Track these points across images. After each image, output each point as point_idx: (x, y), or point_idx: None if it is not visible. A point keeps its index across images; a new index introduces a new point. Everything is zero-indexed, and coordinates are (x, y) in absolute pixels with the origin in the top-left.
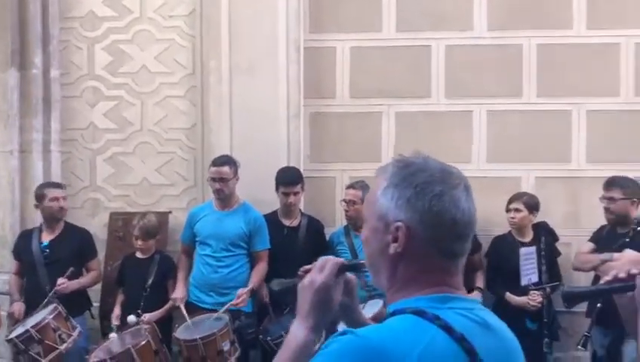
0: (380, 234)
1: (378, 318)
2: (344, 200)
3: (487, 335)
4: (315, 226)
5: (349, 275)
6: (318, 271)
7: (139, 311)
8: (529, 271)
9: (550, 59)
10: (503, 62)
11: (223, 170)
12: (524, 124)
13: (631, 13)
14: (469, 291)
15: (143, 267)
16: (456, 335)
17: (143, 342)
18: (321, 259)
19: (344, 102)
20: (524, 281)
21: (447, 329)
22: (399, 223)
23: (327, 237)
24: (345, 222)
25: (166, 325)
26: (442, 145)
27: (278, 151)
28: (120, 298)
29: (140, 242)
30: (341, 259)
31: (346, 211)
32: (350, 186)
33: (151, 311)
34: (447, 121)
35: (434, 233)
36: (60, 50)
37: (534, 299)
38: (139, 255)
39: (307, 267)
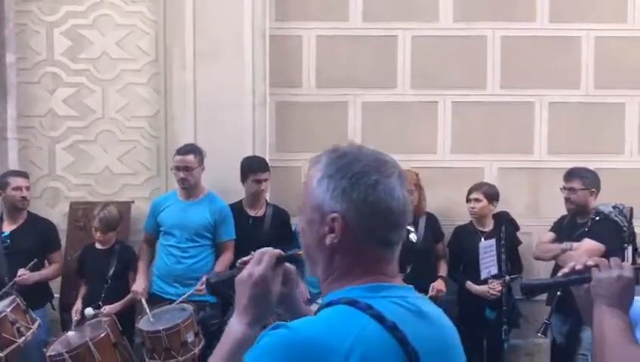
0: (315, 225)
1: None
2: None
3: (421, 323)
4: (280, 216)
5: (288, 265)
6: (256, 264)
7: (99, 302)
8: (488, 264)
9: (514, 51)
10: (467, 53)
11: (188, 159)
12: (487, 116)
13: (592, 8)
14: (434, 280)
15: (103, 258)
16: (387, 324)
17: (102, 335)
18: (259, 251)
19: (310, 91)
20: (483, 274)
21: (379, 318)
22: (335, 214)
23: (294, 227)
24: None
25: (127, 316)
26: (408, 135)
27: (244, 140)
28: (82, 291)
29: (98, 234)
30: (278, 251)
31: None
32: None
33: (112, 303)
34: (413, 111)
35: (370, 223)
36: (16, 34)
37: (494, 288)
38: (98, 246)
39: (245, 259)
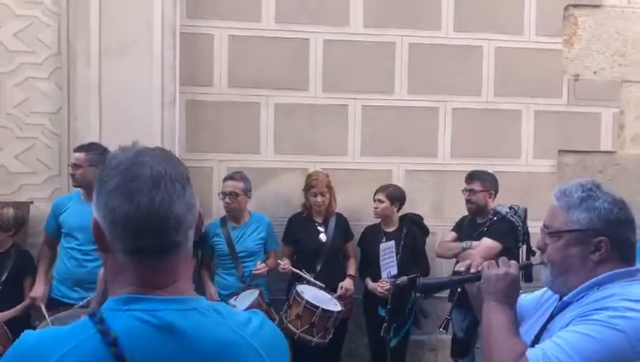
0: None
1: (254, 308)
2: (223, 193)
3: (161, 339)
4: None
5: None
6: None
7: None
8: (388, 264)
9: (420, 58)
10: (377, 59)
11: (77, 156)
12: (395, 120)
13: (493, 19)
14: (343, 279)
15: None
16: (108, 339)
17: None
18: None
19: (222, 90)
20: (383, 275)
21: (103, 332)
22: (94, 220)
23: (203, 229)
24: (223, 214)
25: (22, 324)
26: (319, 137)
27: (152, 140)
28: None
29: None
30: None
31: (228, 203)
32: (229, 178)
33: (4, 310)
34: (324, 114)
35: (113, 230)
36: None
37: (382, 286)
38: None
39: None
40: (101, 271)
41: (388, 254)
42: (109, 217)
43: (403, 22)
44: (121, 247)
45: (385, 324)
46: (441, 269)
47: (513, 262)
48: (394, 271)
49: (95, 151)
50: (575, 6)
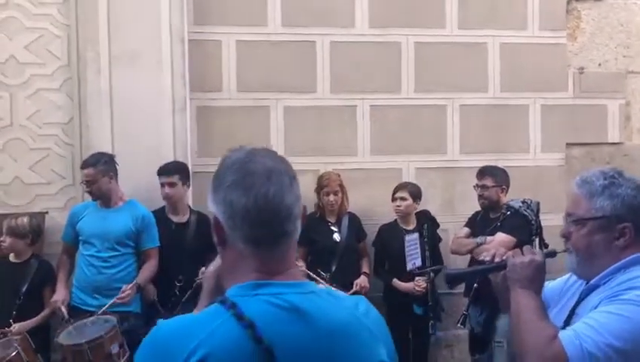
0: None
1: None
2: None
3: (292, 320)
4: (204, 222)
5: None
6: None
7: (10, 320)
8: (413, 256)
9: (426, 56)
10: (383, 59)
11: (88, 173)
12: (403, 118)
13: (497, 16)
14: (358, 277)
15: (17, 272)
16: (244, 322)
17: (13, 354)
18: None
19: (231, 95)
20: (409, 266)
21: (238, 316)
22: (213, 215)
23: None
24: None
25: (43, 333)
26: (329, 138)
27: (164, 146)
28: None
29: (8, 239)
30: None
31: None
32: None
33: (24, 320)
34: (333, 115)
35: (233, 222)
36: None
37: (419, 284)
38: (12, 259)
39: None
40: (208, 269)
41: (412, 246)
42: (229, 211)
43: (408, 21)
44: (240, 237)
45: (432, 322)
46: (455, 265)
47: (537, 250)
48: (418, 262)
49: (102, 161)
50: (577, 0)
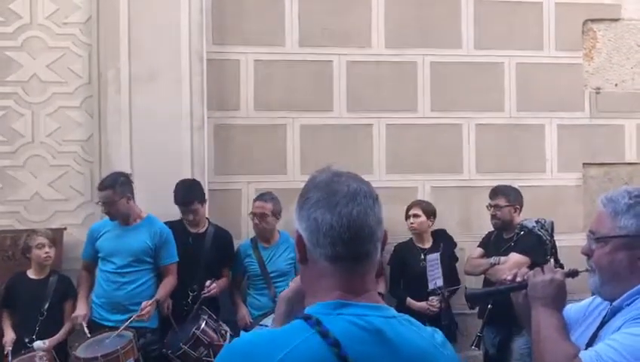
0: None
1: None
2: (252, 213)
3: (374, 342)
4: (222, 236)
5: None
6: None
7: (33, 336)
8: (435, 275)
9: (442, 76)
10: (399, 78)
11: (105, 195)
12: (419, 137)
13: (513, 36)
14: None
15: (38, 289)
16: (329, 340)
17: None
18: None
19: (249, 114)
20: (431, 285)
21: (324, 334)
22: (298, 233)
23: (236, 248)
24: (252, 235)
25: (61, 347)
26: (345, 157)
27: (182, 164)
28: (7, 321)
29: (46, 249)
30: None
31: (256, 224)
32: (258, 198)
33: (46, 336)
34: (349, 133)
35: (316, 239)
36: None
37: (433, 304)
38: (31, 275)
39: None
40: (283, 292)
41: (434, 265)
42: (312, 227)
43: (424, 41)
44: (323, 254)
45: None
46: (470, 285)
47: (558, 268)
48: (440, 282)
49: (119, 183)
50: (593, 20)
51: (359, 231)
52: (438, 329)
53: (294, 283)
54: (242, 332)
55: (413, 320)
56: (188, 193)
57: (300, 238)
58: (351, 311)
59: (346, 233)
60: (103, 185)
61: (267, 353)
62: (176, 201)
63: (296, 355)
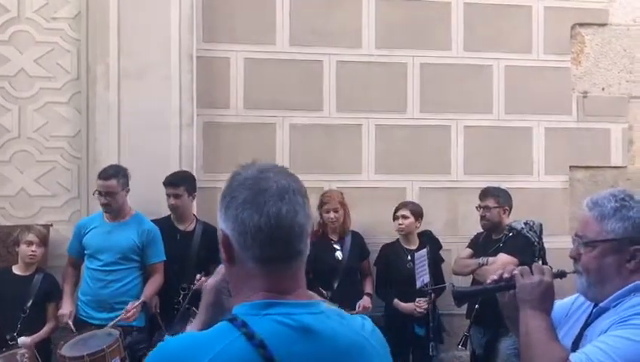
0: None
1: None
2: None
3: (302, 340)
4: (210, 233)
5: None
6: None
7: (14, 333)
8: (422, 273)
9: (432, 77)
10: (389, 79)
11: (109, 184)
12: (408, 138)
13: (502, 39)
14: (360, 297)
15: (22, 285)
16: (255, 341)
17: None
18: (221, 266)
19: (238, 112)
20: (418, 283)
21: (249, 335)
22: (223, 233)
23: None
24: None
25: (44, 346)
26: (334, 156)
27: (170, 162)
28: None
29: (34, 247)
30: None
31: None
32: None
33: (28, 334)
34: (338, 133)
35: (244, 240)
36: None
37: (420, 305)
38: (16, 271)
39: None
40: (207, 283)
41: (421, 263)
42: (240, 228)
43: (414, 43)
44: (251, 256)
45: (432, 343)
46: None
47: (547, 268)
48: (427, 278)
49: (122, 174)
50: (581, 25)
51: (289, 231)
52: (367, 318)
53: (220, 273)
54: (167, 337)
55: (343, 312)
56: (178, 177)
57: (226, 239)
58: (278, 311)
59: (275, 234)
60: (108, 174)
61: (192, 357)
62: (164, 181)
63: (222, 358)
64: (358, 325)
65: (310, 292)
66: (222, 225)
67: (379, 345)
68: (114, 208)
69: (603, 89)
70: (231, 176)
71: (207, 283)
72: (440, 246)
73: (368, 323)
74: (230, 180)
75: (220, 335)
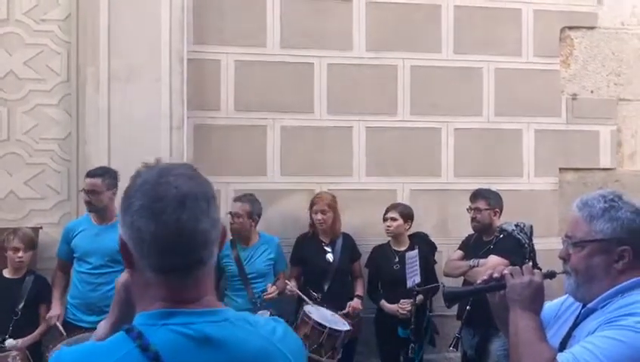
0: None
1: None
2: (230, 213)
3: (201, 351)
4: None
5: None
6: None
7: (6, 335)
8: (413, 273)
9: (422, 80)
10: (379, 81)
11: (94, 182)
12: (399, 140)
13: (492, 41)
14: (351, 299)
15: (13, 288)
16: (150, 354)
17: None
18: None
19: (229, 114)
20: (409, 283)
21: (144, 347)
22: (120, 238)
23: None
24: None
25: (35, 349)
26: (325, 159)
27: None
28: None
29: (20, 253)
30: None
31: (231, 224)
32: (237, 199)
33: (20, 337)
34: (329, 135)
35: (140, 249)
36: None
37: (403, 307)
38: (7, 274)
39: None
40: (119, 279)
41: (413, 263)
42: (136, 237)
43: (404, 45)
44: (148, 265)
45: (412, 345)
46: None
47: (536, 270)
48: (417, 279)
49: (109, 175)
50: (570, 28)
51: (190, 241)
52: (282, 322)
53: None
54: (62, 347)
55: (251, 318)
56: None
57: (124, 245)
58: (177, 321)
59: (174, 243)
60: (93, 173)
61: None
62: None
63: None
64: (268, 331)
65: (216, 301)
66: (120, 229)
67: (289, 351)
68: (97, 207)
69: (592, 91)
70: (133, 176)
71: (118, 280)
72: (435, 249)
73: (280, 328)
74: (131, 181)
75: (115, 347)
